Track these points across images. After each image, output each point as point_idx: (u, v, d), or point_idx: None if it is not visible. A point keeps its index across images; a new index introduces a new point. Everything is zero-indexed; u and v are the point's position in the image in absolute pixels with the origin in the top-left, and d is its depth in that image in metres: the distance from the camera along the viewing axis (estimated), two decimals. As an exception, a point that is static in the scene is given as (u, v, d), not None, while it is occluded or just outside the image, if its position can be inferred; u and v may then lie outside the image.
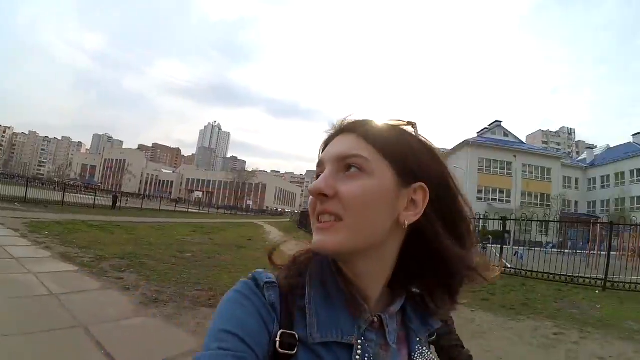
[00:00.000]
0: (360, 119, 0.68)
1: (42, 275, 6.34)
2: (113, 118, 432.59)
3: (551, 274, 11.37)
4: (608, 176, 59.02)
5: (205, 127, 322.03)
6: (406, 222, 0.64)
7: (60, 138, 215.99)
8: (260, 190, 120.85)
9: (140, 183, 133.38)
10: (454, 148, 57.89)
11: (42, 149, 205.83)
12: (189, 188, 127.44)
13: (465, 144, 55.27)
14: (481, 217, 16.49)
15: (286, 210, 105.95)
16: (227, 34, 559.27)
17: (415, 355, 0.70)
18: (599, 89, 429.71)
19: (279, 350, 0.58)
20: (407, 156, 0.64)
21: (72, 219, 15.85)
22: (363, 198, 0.61)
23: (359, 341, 0.63)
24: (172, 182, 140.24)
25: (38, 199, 23.41)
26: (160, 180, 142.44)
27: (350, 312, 0.64)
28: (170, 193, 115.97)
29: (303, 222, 30.35)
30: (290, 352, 0.59)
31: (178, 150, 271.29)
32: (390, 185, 0.63)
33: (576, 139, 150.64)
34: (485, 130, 62.58)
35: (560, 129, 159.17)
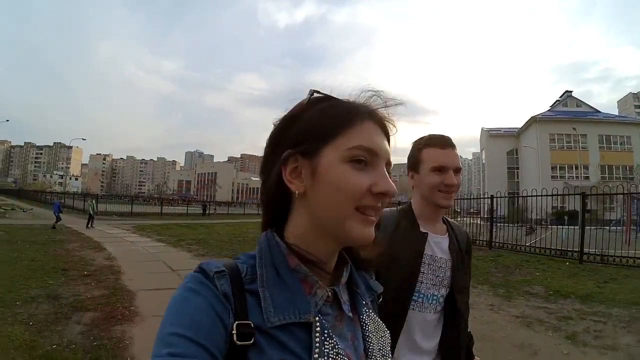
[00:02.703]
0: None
1: (146, 247, 11.45)
2: (201, 134, 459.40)
3: (538, 247, 11.92)
4: (695, 140, 48.63)
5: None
6: None
7: (155, 159, 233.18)
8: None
9: (232, 192, 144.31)
10: (522, 127, 55.52)
11: (141, 170, 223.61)
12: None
13: (533, 120, 51.74)
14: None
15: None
16: (296, 39, 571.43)
17: (364, 318, 0.73)
18: None
19: (237, 342, 0.56)
20: None
21: (166, 223, 21.38)
22: None
23: (317, 318, 0.62)
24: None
25: (141, 212, 29.53)
26: (250, 188, 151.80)
27: (305, 291, 0.64)
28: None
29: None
30: (248, 342, 0.56)
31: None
32: None
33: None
34: (557, 102, 57.65)
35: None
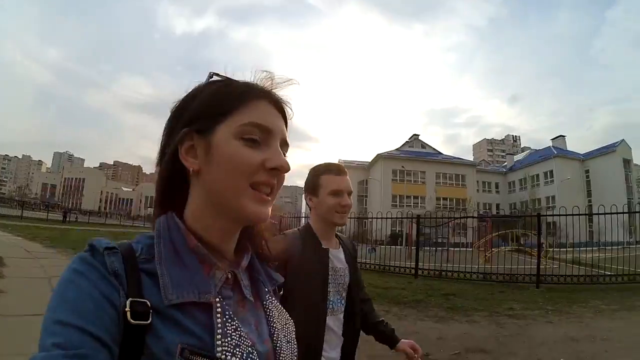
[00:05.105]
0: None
1: (8, 239, 15.30)
2: (75, 135, 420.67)
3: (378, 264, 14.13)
4: (524, 179, 63.99)
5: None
6: None
7: (20, 156, 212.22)
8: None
9: (100, 201, 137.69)
10: (371, 161, 64.49)
11: (3, 168, 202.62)
12: (149, 205, 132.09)
13: (379, 157, 61.21)
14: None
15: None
16: (191, 49, 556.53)
17: (267, 304, 0.73)
18: (557, 98, 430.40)
19: (131, 321, 0.53)
20: None
21: (26, 225, 24.43)
22: None
23: (217, 299, 0.62)
24: (131, 199, 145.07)
25: (1, 214, 31.28)
26: (120, 198, 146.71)
27: (204, 271, 0.63)
28: (130, 211, 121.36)
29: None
30: (144, 321, 0.54)
31: (139, 167, 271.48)
32: None
33: (521, 146, 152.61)
34: (406, 143, 68.12)
35: (505, 137, 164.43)
